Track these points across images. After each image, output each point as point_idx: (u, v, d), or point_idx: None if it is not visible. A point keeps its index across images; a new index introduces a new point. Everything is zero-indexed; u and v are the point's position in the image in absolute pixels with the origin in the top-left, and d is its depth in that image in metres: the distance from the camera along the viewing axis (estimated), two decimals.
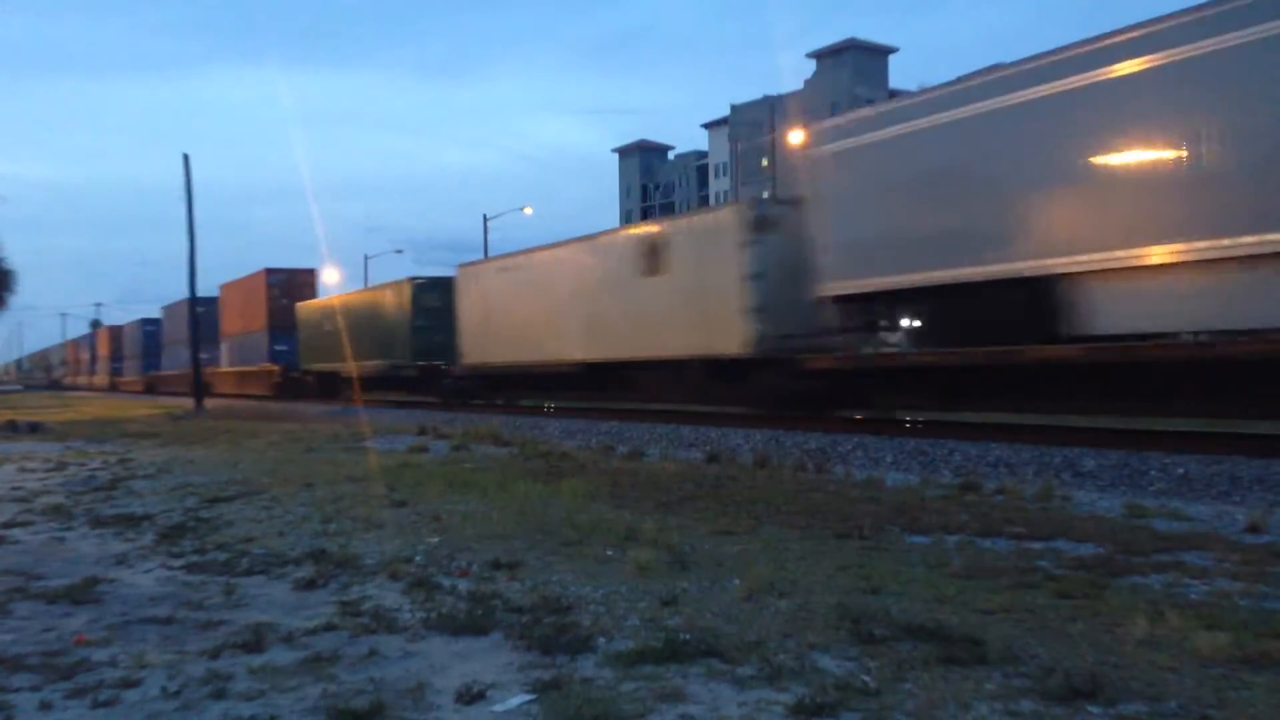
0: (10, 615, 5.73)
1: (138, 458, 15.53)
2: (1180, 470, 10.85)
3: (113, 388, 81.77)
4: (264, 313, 47.93)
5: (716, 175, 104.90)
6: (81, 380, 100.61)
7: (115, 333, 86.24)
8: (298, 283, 48.28)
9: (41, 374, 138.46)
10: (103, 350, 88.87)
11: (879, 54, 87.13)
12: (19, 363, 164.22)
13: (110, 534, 8.43)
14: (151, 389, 67.53)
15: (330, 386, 40.24)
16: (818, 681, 4.10)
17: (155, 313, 73.15)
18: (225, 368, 54.44)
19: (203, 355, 56.39)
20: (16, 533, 8.62)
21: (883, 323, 17.20)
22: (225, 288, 56.47)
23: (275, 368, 46.42)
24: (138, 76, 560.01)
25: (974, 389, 15.78)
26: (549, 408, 27.52)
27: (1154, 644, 4.47)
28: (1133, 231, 12.77)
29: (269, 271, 48.73)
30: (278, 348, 46.63)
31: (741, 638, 4.75)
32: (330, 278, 57.53)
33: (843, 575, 6.02)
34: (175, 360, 58.97)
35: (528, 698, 4.07)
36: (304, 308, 44.62)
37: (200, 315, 58.46)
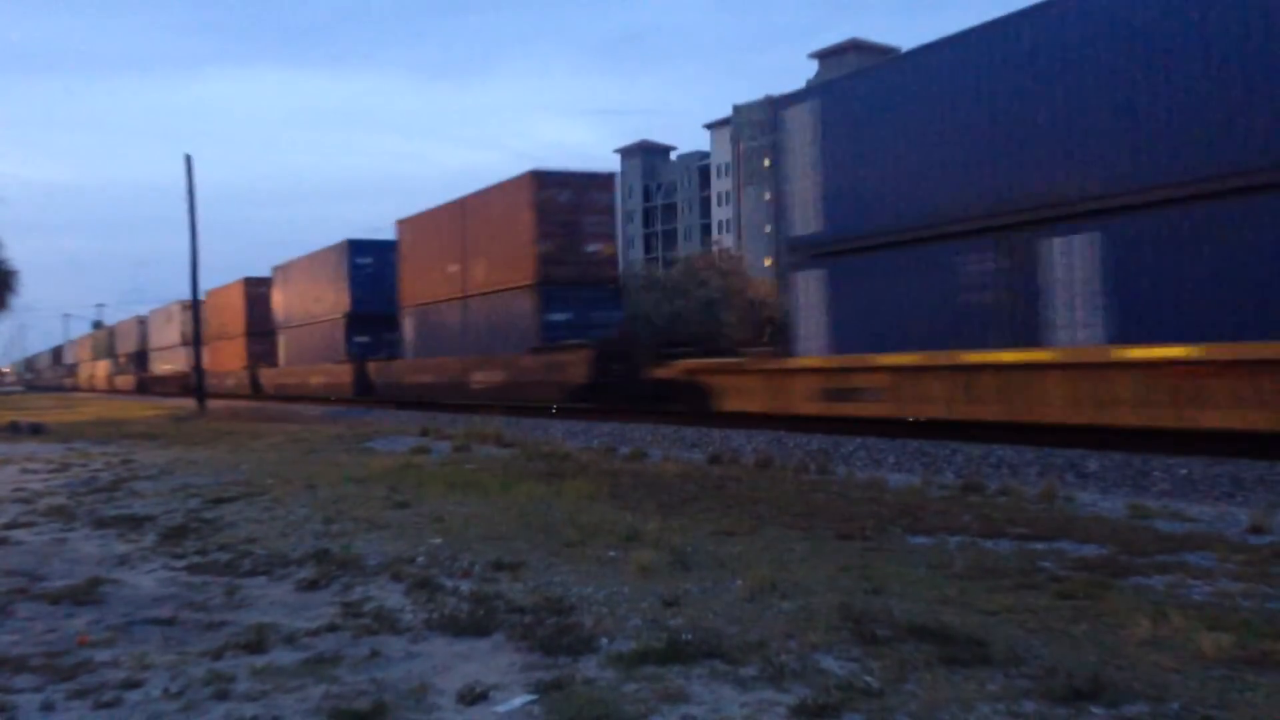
0: (13, 616, 5.73)
1: (140, 459, 15.53)
2: (1183, 471, 10.85)
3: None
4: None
5: (719, 175, 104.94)
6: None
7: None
8: None
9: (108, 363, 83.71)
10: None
11: (882, 54, 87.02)
12: (56, 351, 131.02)
13: (113, 535, 8.43)
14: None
15: None
16: (820, 682, 4.10)
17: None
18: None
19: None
20: (19, 534, 8.63)
21: None
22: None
23: None
24: (138, 76, 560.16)
25: None
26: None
27: (1157, 644, 4.46)
28: None
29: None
30: None
31: (744, 638, 4.74)
32: None
33: (845, 576, 6.01)
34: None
35: (530, 698, 4.07)
36: None
37: None
